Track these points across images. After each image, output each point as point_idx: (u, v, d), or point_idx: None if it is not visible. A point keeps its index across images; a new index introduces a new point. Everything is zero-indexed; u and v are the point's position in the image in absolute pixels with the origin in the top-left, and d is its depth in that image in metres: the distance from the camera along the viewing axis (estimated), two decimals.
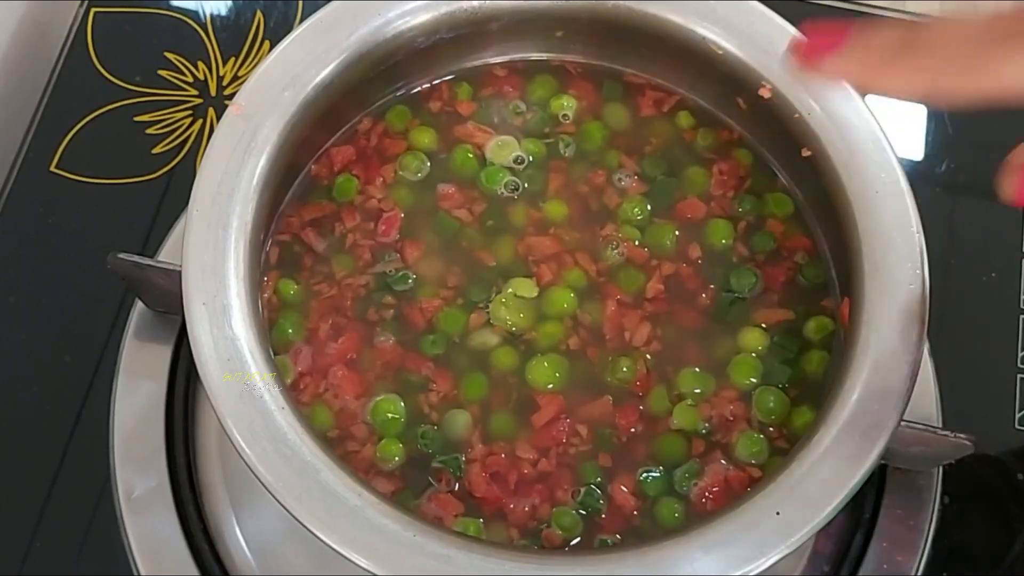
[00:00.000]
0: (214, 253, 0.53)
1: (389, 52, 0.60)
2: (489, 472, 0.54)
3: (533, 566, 0.48)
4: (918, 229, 0.54)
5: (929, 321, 0.53)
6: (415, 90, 0.64)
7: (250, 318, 0.52)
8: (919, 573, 0.62)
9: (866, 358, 0.52)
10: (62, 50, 0.77)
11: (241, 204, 0.54)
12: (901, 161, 0.56)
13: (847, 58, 0.45)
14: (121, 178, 0.73)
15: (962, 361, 0.69)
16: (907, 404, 0.51)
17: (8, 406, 0.66)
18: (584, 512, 0.54)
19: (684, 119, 0.63)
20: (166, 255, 0.67)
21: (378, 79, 0.61)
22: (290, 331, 0.57)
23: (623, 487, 0.54)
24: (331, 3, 0.59)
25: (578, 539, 0.53)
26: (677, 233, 0.60)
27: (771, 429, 0.56)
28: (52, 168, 0.73)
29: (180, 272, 0.52)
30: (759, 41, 0.59)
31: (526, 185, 0.62)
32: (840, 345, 0.55)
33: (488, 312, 0.58)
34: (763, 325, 0.58)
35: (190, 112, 0.75)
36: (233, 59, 0.77)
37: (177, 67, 0.76)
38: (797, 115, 0.58)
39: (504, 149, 0.62)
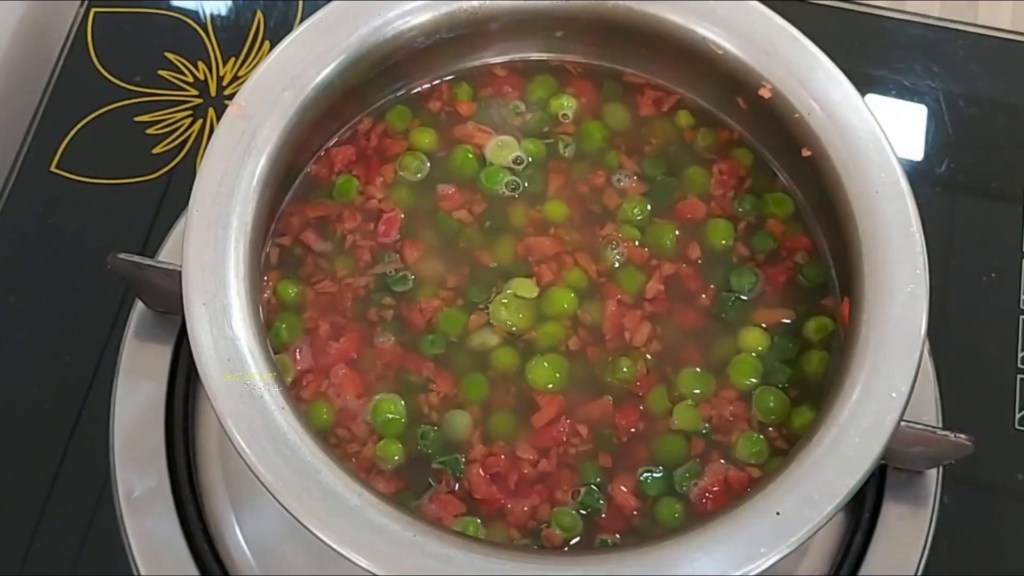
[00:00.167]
0: (214, 253, 0.53)
1: (389, 52, 0.60)
2: (489, 472, 0.54)
3: (533, 566, 0.48)
4: (918, 229, 0.54)
5: (929, 321, 0.53)
6: (415, 90, 0.64)
7: (250, 318, 0.52)
8: (919, 573, 0.62)
9: (866, 358, 0.52)
10: (62, 50, 0.77)
11: (241, 204, 0.54)
12: (901, 161, 0.56)
13: None
14: (121, 178, 0.73)
15: (962, 361, 0.69)
16: (907, 404, 0.51)
17: (8, 406, 0.66)
18: (584, 512, 0.54)
19: (684, 119, 0.63)
20: (166, 255, 0.67)
21: (378, 79, 0.61)
22: (290, 331, 0.57)
23: (623, 487, 0.54)
24: (331, 3, 0.59)
25: (578, 539, 0.53)
26: (677, 233, 0.60)
27: (771, 429, 0.56)
28: (52, 168, 0.73)
29: (180, 272, 0.52)
30: (759, 41, 0.59)
31: (526, 185, 0.62)
32: (840, 345, 0.55)
33: (488, 312, 0.58)
34: (763, 325, 0.58)
35: (190, 112, 0.75)
36: (233, 59, 0.77)
37: (177, 67, 0.76)
38: (797, 115, 0.58)
39: (504, 149, 0.62)
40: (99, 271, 0.61)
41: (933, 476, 0.64)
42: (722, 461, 0.55)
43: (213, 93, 0.76)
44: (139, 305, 0.66)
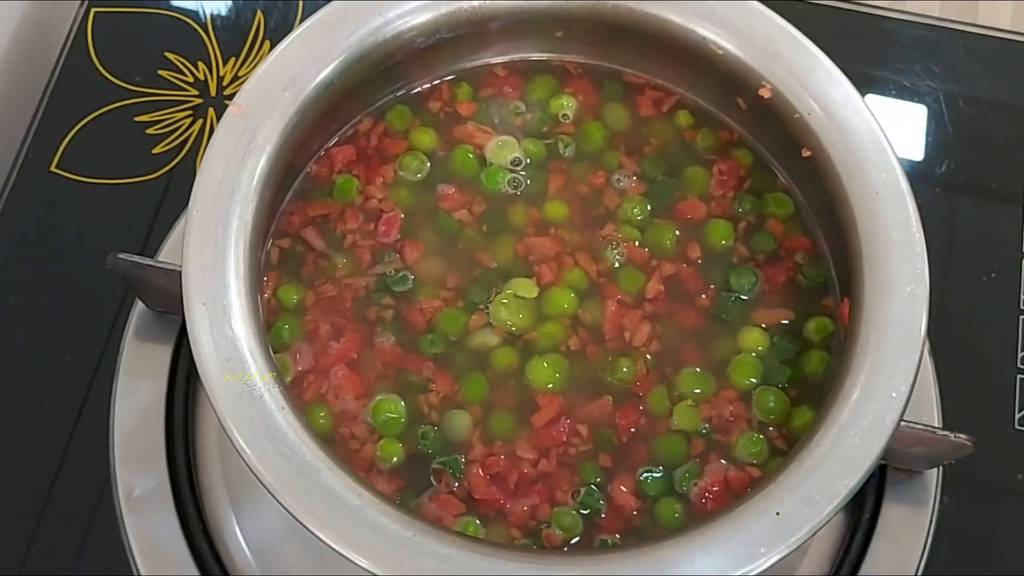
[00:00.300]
0: (214, 253, 0.53)
1: (389, 52, 0.60)
2: (489, 472, 0.54)
3: (533, 566, 0.48)
4: (918, 229, 0.54)
5: (929, 321, 0.53)
6: (415, 90, 0.64)
7: (250, 318, 0.52)
8: (919, 573, 0.62)
9: (866, 358, 0.52)
10: (62, 50, 0.77)
11: (241, 204, 0.54)
12: (901, 161, 0.56)
13: None
14: (121, 178, 0.73)
15: (962, 361, 0.69)
16: (907, 404, 0.51)
17: (8, 406, 0.66)
18: (584, 512, 0.54)
19: (684, 119, 0.63)
20: (166, 255, 0.67)
21: (378, 79, 0.61)
22: (290, 331, 0.57)
23: (623, 487, 0.54)
24: (331, 3, 0.59)
25: (578, 539, 0.53)
26: (677, 233, 0.60)
27: (771, 429, 0.56)
28: (52, 168, 0.73)
29: (180, 272, 0.52)
30: (759, 41, 0.59)
31: (526, 184, 0.62)
32: (840, 345, 0.55)
33: (488, 312, 0.58)
34: (763, 325, 0.58)
35: (190, 112, 0.75)
36: (233, 59, 0.77)
37: (177, 67, 0.76)
38: (797, 115, 0.58)
39: (504, 149, 0.62)
40: (99, 271, 0.61)
41: (933, 476, 0.64)
42: (722, 461, 0.55)
43: (213, 93, 0.76)
44: (139, 305, 0.66)
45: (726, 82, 0.61)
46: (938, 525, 0.63)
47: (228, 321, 0.51)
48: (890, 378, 0.51)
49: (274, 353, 0.54)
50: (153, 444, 0.63)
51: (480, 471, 0.54)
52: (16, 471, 0.65)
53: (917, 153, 0.76)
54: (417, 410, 0.56)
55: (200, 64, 0.77)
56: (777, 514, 0.48)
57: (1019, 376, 0.69)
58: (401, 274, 0.59)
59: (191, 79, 0.76)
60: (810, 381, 0.57)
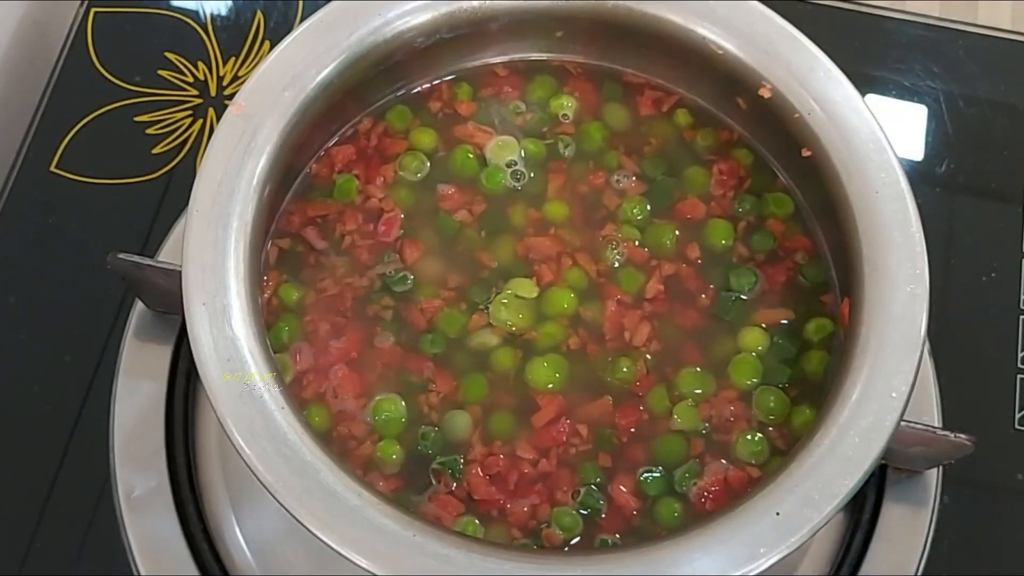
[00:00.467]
0: (214, 253, 0.53)
1: (389, 52, 0.60)
2: (489, 472, 0.54)
3: (533, 566, 0.48)
4: (918, 229, 0.54)
5: (929, 321, 0.53)
6: (415, 90, 0.64)
7: (250, 318, 0.52)
8: (919, 573, 0.62)
9: (866, 358, 0.52)
10: (62, 50, 0.77)
11: (241, 204, 0.54)
12: (901, 161, 0.56)
13: None
14: (121, 178, 0.73)
15: (962, 361, 0.69)
16: (907, 404, 0.51)
17: (8, 406, 0.66)
18: (584, 512, 0.54)
19: (684, 119, 0.63)
20: (166, 255, 0.67)
21: (378, 79, 0.61)
22: (290, 331, 0.57)
23: (623, 487, 0.54)
24: (331, 3, 0.59)
25: (578, 539, 0.53)
26: (677, 233, 0.60)
27: (771, 429, 0.56)
28: (52, 168, 0.73)
29: (180, 272, 0.52)
30: (759, 41, 0.59)
31: (526, 184, 0.61)
32: (840, 345, 0.55)
33: (488, 312, 0.58)
34: (763, 325, 0.58)
35: (190, 112, 0.75)
36: (233, 59, 0.77)
37: (177, 67, 0.76)
38: (797, 115, 0.58)
39: (504, 149, 0.62)
40: (99, 271, 0.61)
41: (933, 476, 0.64)
42: (722, 461, 0.55)
43: (213, 93, 0.76)
44: (139, 305, 0.66)
45: (726, 82, 0.61)
46: (938, 525, 0.63)
47: (228, 321, 0.51)
48: (890, 378, 0.51)
49: (274, 353, 0.54)
50: (153, 444, 0.63)
51: (480, 471, 0.54)
52: (16, 471, 0.65)
53: (917, 153, 0.76)
54: (417, 410, 0.56)
55: (200, 64, 0.77)
56: (777, 514, 0.48)
57: (1019, 376, 0.69)
58: (401, 274, 0.59)
59: (191, 79, 0.76)
60: (810, 381, 0.57)
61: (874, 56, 0.79)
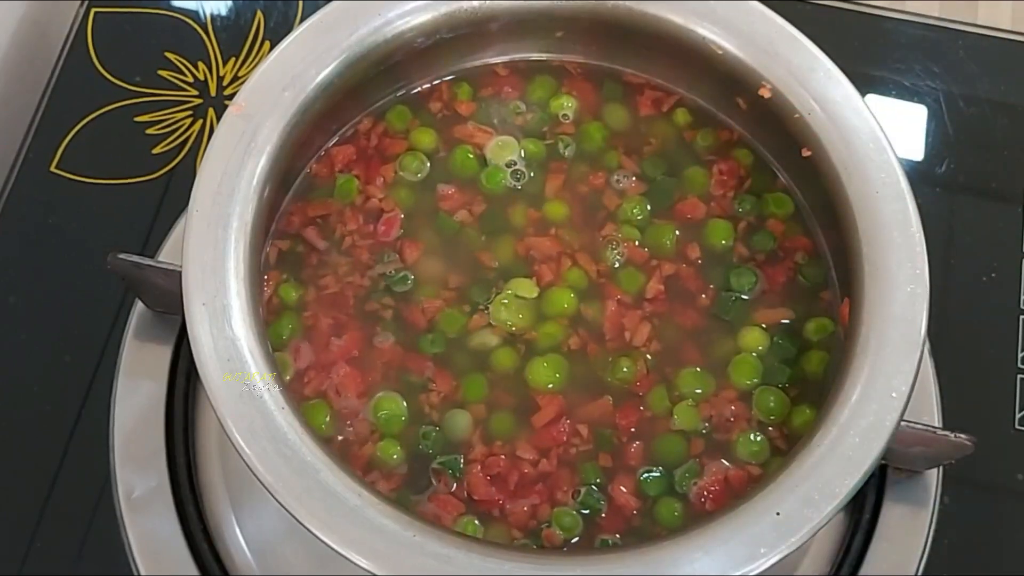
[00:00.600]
0: (214, 253, 0.53)
1: (389, 52, 0.60)
2: (489, 472, 0.54)
3: (533, 566, 0.48)
4: (918, 229, 0.54)
5: (929, 321, 0.53)
6: (415, 90, 0.64)
7: (250, 318, 0.52)
8: (919, 573, 0.62)
9: (866, 358, 0.52)
10: (62, 50, 0.77)
11: (241, 204, 0.54)
12: (901, 161, 0.56)
13: None
14: (121, 178, 0.73)
15: (962, 361, 0.69)
16: (907, 404, 0.51)
17: (8, 406, 0.66)
18: (584, 512, 0.54)
19: (684, 119, 0.63)
20: (166, 255, 0.67)
21: (378, 79, 0.61)
22: (290, 330, 0.57)
23: (623, 487, 0.54)
24: (331, 3, 0.59)
25: (578, 539, 0.53)
26: (677, 233, 0.60)
27: (771, 429, 0.56)
28: (52, 168, 0.73)
29: (180, 272, 0.52)
30: (759, 41, 0.59)
31: (527, 183, 0.62)
32: (840, 345, 0.55)
33: (488, 313, 0.58)
34: (763, 325, 0.58)
35: (190, 112, 0.75)
36: (233, 59, 0.77)
37: (177, 67, 0.76)
38: (797, 115, 0.58)
39: (504, 149, 0.62)
40: (99, 271, 0.61)
41: (933, 476, 0.64)
42: (722, 461, 0.55)
43: (213, 93, 0.76)
44: (139, 305, 0.66)
45: (726, 82, 0.61)
46: (938, 525, 0.63)
47: (228, 321, 0.51)
48: (890, 378, 0.51)
49: (273, 350, 0.54)
50: (153, 444, 0.63)
51: (480, 471, 0.54)
52: (16, 471, 0.65)
53: (917, 153, 0.76)
54: (418, 410, 0.56)
55: (200, 64, 0.77)
56: (777, 514, 0.48)
57: (1019, 376, 0.69)
58: (401, 274, 0.59)
59: (191, 79, 0.76)
60: (810, 381, 0.57)
61: (874, 56, 0.79)
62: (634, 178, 0.62)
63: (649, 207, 0.61)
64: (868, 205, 0.55)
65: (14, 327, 0.68)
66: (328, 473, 0.49)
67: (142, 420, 0.64)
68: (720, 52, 0.60)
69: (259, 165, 0.55)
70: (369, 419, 0.55)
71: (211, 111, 0.75)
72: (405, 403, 0.56)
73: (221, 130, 0.55)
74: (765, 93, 0.59)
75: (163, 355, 0.65)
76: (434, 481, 0.54)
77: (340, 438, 0.55)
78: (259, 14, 0.79)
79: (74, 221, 0.71)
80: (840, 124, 0.57)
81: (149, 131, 0.74)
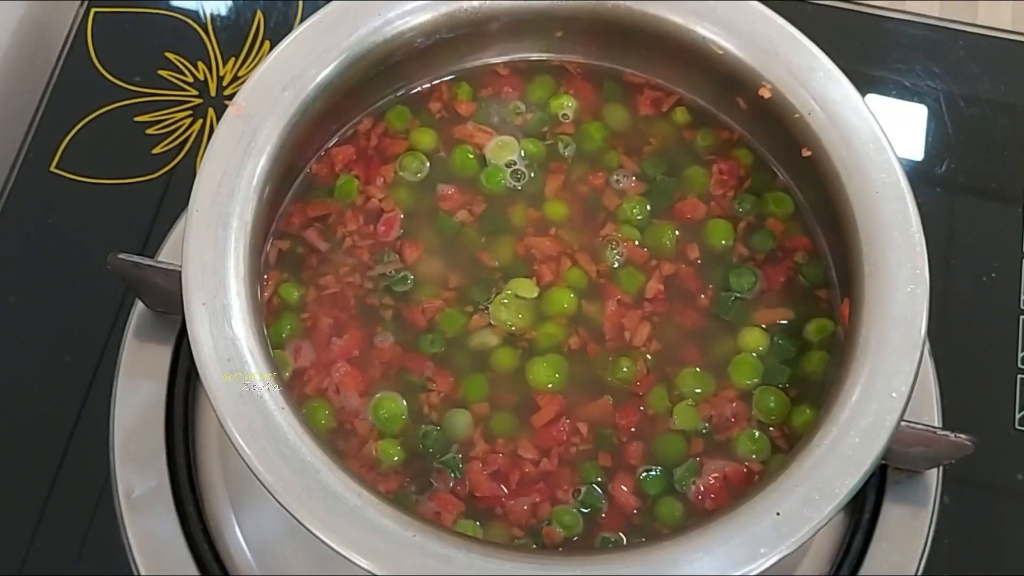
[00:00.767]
0: (214, 253, 0.53)
1: (389, 52, 0.60)
2: (490, 472, 0.54)
3: (533, 566, 0.48)
4: (918, 229, 0.54)
5: (929, 321, 0.53)
6: (415, 90, 0.64)
7: (250, 318, 0.52)
8: (919, 573, 0.62)
9: (866, 358, 0.52)
10: (62, 50, 0.77)
11: (241, 204, 0.54)
12: (901, 161, 0.56)
13: None
14: (121, 178, 0.73)
15: (962, 361, 0.69)
16: (907, 404, 0.51)
17: (8, 406, 0.66)
18: (585, 511, 0.54)
19: (683, 119, 0.63)
20: (166, 255, 0.67)
21: (378, 79, 0.61)
22: (290, 330, 0.57)
23: (623, 486, 0.54)
24: (331, 3, 0.59)
25: (578, 537, 0.53)
26: (677, 233, 0.60)
27: (771, 429, 0.56)
28: (52, 168, 0.73)
29: (180, 272, 0.52)
30: (759, 41, 0.59)
31: (527, 183, 0.62)
32: (840, 345, 0.55)
33: (488, 312, 0.58)
34: (763, 325, 0.58)
35: (190, 112, 0.75)
36: (233, 59, 0.77)
37: (177, 67, 0.76)
38: (797, 115, 0.58)
39: (504, 149, 0.62)
40: (99, 271, 0.61)
41: (933, 476, 0.64)
42: (722, 460, 0.55)
43: (213, 93, 0.76)
44: (139, 305, 0.66)
45: (726, 82, 0.61)
46: (938, 525, 0.63)
47: (228, 321, 0.51)
48: (890, 378, 0.51)
49: (273, 349, 0.54)
50: (153, 444, 0.63)
51: (481, 470, 0.54)
52: (16, 471, 0.65)
53: (917, 153, 0.76)
54: (418, 409, 0.56)
55: (200, 64, 0.77)
56: (777, 514, 0.48)
57: (1019, 376, 0.69)
58: (401, 274, 0.59)
59: (191, 79, 0.76)
60: (810, 381, 0.57)
61: (874, 56, 0.79)
62: (634, 178, 0.62)
63: (649, 207, 0.61)
64: (868, 205, 0.55)
65: (14, 327, 0.68)
66: (328, 473, 0.49)
67: (142, 420, 0.64)
68: (720, 52, 0.60)
69: (259, 165, 0.55)
70: (369, 419, 0.55)
71: (211, 111, 0.75)
72: (405, 403, 0.56)
73: (221, 130, 0.55)
74: (765, 93, 0.59)
75: (163, 355, 0.65)
76: (434, 481, 0.54)
77: (341, 436, 0.55)
78: (259, 14, 0.79)
79: (74, 221, 0.71)
80: (840, 124, 0.57)
81: (149, 131, 0.74)
